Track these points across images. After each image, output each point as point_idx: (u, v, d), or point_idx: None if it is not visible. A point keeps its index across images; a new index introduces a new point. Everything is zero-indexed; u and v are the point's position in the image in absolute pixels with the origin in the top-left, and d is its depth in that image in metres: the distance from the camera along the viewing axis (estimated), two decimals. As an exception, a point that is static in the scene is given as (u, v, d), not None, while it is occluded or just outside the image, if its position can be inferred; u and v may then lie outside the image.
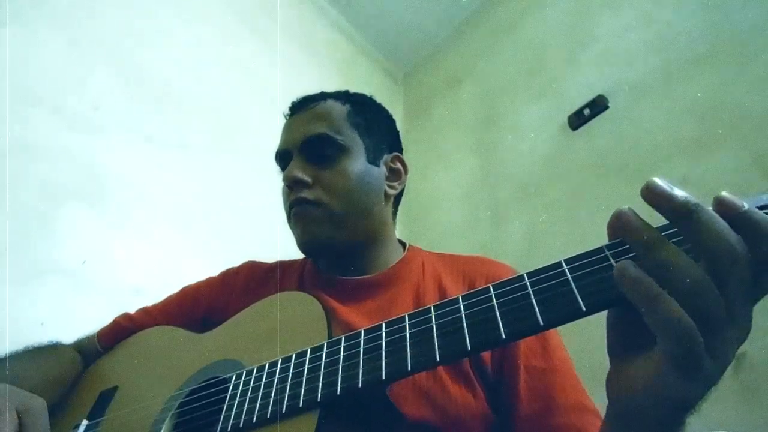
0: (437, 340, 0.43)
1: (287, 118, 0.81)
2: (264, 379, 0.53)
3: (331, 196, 0.70)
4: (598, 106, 1.72)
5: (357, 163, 0.73)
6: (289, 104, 0.82)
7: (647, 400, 0.35)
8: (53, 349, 0.79)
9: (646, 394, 0.35)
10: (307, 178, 0.71)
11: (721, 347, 0.32)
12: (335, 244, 0.71)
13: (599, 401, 0.55)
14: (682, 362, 0.32)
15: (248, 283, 0.81)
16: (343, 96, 0.80)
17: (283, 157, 0.77)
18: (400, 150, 0.84)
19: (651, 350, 0.34)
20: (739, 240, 0.31)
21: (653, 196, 0.33)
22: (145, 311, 0.83)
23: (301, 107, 0.79)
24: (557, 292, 0.38)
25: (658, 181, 0.33)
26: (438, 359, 0.42)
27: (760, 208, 0.34)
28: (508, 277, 0.43)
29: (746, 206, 0.32)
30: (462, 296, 0.44)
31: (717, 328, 0.32)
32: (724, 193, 0.33)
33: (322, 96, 0.79)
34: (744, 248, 0.31)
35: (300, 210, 0.71)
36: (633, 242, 0.34)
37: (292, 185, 0.72)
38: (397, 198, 0.82)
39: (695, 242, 0.32)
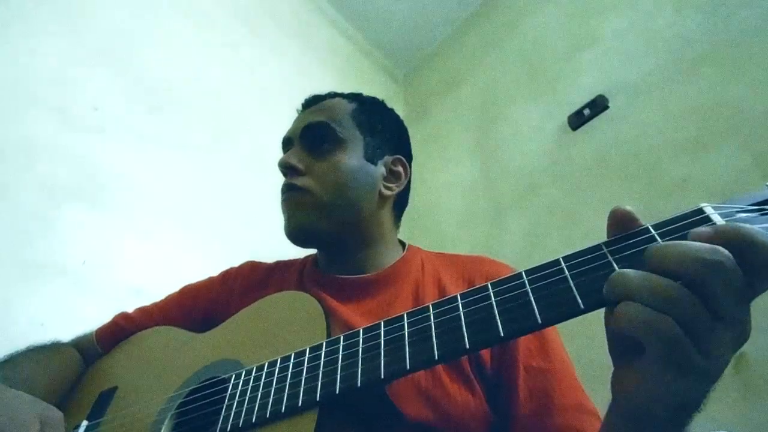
0: (436, 339, 0.43)
1: (298, 113, 0.84)
2: (263, 379, 0.53)
3: (320, 185, 0.72)
4: (598, 106, 1.72)
5: (352, 158, 0.74)
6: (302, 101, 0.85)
7: (646, 401, 0.35)
8: (55, 349, 0.79)
9: (644, 395, 0.35)
10: (300, 165, 0.73)
11: (715, 347, 0.32)
12: (319, 233, 0.72)
13: (599, 401, 0.55)
14: (670, 360, 0.32)
15: (248, 283, 0.81)
16: (352, 95, 0.83)
17: (285, 145, 0.80)
18: (407, 155, 0.84)
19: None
20: (712, 251, 0.32)
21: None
22: (144, 311, 0.83)
23: (311, 103, 0.83)
24: (555, 290, 0.38)
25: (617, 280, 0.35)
26: (437, 358, 0.42)
27: (757, 204, 0.34)
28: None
29: (717, 227, 0.33)
30: (460, 294, 0.44)
31: (704, 331, 0.32)
32: (694, 230, 0.34)
33: (332, 94, 0.83)
34: (718, 254, 0.31)
35: (288, 196, 0.73)
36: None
37: (285, 171, 0.75)
38: (400, 201, 0.82)
39: (665, 272, 0.33)
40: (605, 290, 0.35)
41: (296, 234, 0.73)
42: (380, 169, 0.78)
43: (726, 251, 0.32)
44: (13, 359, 0.72)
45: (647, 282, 0.33)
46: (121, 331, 0.81)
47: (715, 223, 0.34)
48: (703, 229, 0.34)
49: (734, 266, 0.31)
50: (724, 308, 0.32)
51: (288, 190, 0.73)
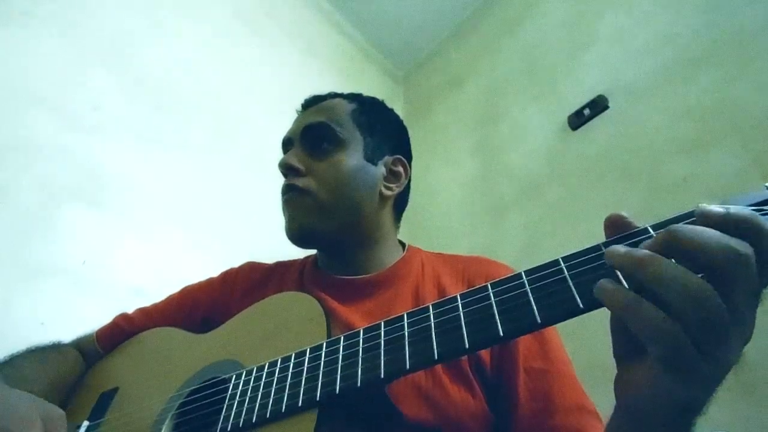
0: (436, 339, 0.43)
1: (298, 113, 0.84)
2: (264, 379, 0.53)
3: (321, 186, 0.72)
4: (598, 106, 1.72)
5: (352, 158, 0.74)
6: (302, 102, 0.85)
7: (648, 403, 0.35)
8: (56, 349, 0.79)
9: (646, 397, 0.35)
10: (301, 166, 0.73)
11: (723, 350, 0.32)
12: (321, 234, 0.72)
13: (599, 401, 0.55)
14: (672, 364, 0.32)
15: (248, 284, 0.81)
16: (351, 96, 0.83)
17: (285, 145, 0.80)
18: (407, 155, 0.84)
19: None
20: (738, 242, 0.31)
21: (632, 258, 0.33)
22: (144, 312, 0.83)
23: (311, 103, 0.82)
24: (555, 290, 0.38)
25: (619, 248, 0.34)
26: (436, 358, 0.42)
27: (755, 205, 0.34)
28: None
29: (729, 209, 0.32)
30: (460, 295, 0.44)
31: (721, 334, 0.31)
32: (702, 205, 0.33)
33: (332, 95, 0.83)
34: (746, 248, 0.31)
35: (289, 197, 0.73)
36: (620, 268, 0.35)
37: (285, 172, 0.74)
38: (400, 201, 0.82)
39: (690, 259, 0.32)
40: (633, 273, 0.33)
41: (297, 235, 0.73)
42: (380, 170, 0.78)
43: (748, 244, 0.31)
44: (14, 360, 0.72)
45: (678, 274, 0.31)
46: (121, 332, 0.82)
47: (726, 209, 0.32)
48: (714, 209, 0.32)
49: (754, 260, 0.30)
50: (741, 308, 0.31)
51: (288, 191, 0.73)
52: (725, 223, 0.31)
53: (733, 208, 0.32)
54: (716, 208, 0.32)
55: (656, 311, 0.31)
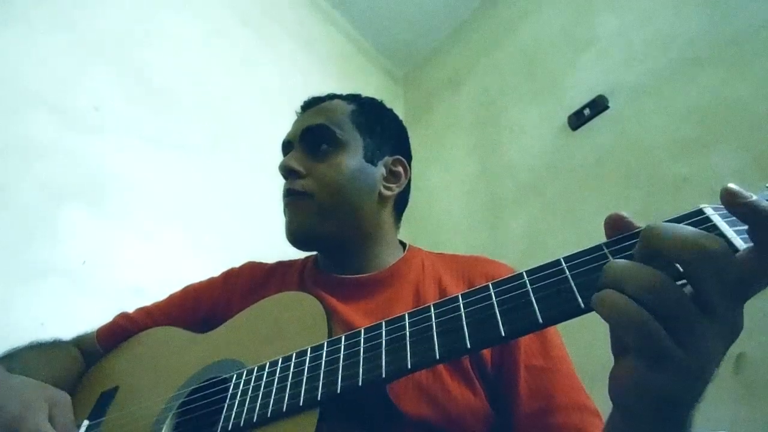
0: (437, 339, 0.43)
1: (297, 115, 0.84)
2: (264, 379, 0.53)
3: (322, 188, 0.72)
4: (598, 106, 1.72)
5: (352, 159, 0.74)
6: (301, 103, 0.85)
7: (632, 396, 0.35)
8: (57, 346, 0.79)
9: (629, 390, 0.35)
10: (301, 169, 0.73)
11: (697, 340, 0.32)
12: (321, 236, 0.73)
13: (599, 401, 0.55)
14: (644, 351, 0.32)
15: (249, 284, 0.81)
16: (350, 97, 0.83)
17: (285, 148, 0.80)
18: (406, 155, 0.84)
19: None
20: (707, 237, 0.31)
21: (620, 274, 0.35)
22: (145, 311, 0.83)
23: (310, 105, 0.83)
24: (556, 290, 0.38)
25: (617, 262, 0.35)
26: (438, 357, 0.42)
27: None
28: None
29: (754, 197, 0.32)
30: (461, 294, 0.44)
31: (686, 323, 0.31)
32: (731, 185, 0.33)
33: (331, 96, 0.83)
34: (714, 243, 0.31)
35: (290, 200, 0.73)
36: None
37: (285, 174, 0.75)
38: (400, 201, 0.83)
39: (662, 256, 0.33)
40: (599, 281, 0.35)
41: (297, 238, 0.73)
42: (380, 170, 0.78)
43: (721, 240, 0.31)
44: (15, 354, 0.72)
45: (631, 271, 0.33)
46: (122, 331, 0.82)
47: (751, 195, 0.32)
48: (744, 192, 0.32)
49: (728, 256, 0.31)
50: (713, 301, 0.31)
51: (289, 194, 0.74)
52: (747, 208, 0.31)
53: (757, 198, 0.32)
54: (745, 192, 0.32)
55: (621, 297, 0.32)
